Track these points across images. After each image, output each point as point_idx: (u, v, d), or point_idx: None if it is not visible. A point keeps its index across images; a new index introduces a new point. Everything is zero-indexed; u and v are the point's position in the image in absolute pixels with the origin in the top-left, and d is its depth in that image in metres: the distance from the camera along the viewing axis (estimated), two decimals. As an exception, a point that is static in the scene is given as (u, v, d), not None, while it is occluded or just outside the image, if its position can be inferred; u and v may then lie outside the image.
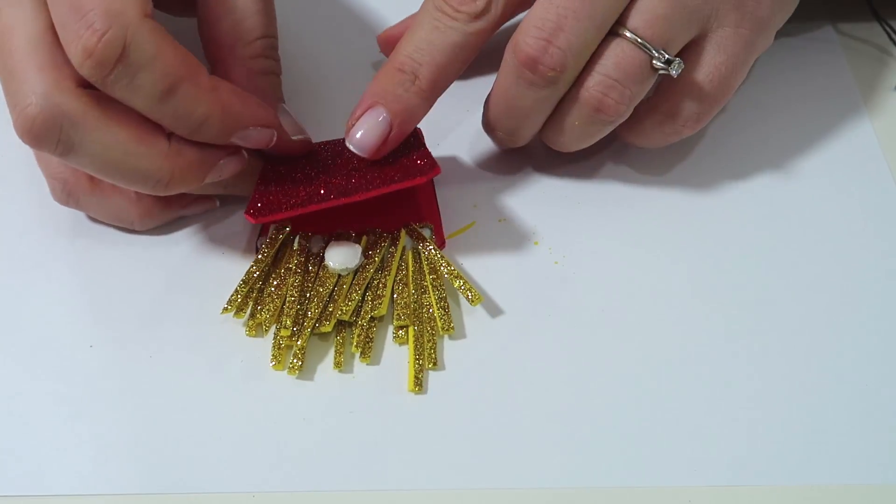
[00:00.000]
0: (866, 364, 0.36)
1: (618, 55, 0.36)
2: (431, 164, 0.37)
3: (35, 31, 0.33)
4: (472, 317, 0.37)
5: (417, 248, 0.38)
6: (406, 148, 0.38)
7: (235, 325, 0.37)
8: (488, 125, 0.40)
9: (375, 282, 0.37)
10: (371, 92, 0.37)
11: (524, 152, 0.42)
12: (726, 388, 0.35)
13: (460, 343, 0.36)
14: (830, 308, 0.37)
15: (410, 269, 0.38)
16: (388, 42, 0.45)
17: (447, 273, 0.37)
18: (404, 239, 0.38)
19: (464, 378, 0.35)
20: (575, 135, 0.39)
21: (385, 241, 0.38)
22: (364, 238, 0.38)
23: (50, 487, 0.33)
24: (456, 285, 0.37)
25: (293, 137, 0.38)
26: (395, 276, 0.37)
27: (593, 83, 0.37)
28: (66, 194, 0.38)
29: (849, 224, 0.40)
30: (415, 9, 0.39)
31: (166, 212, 0.39)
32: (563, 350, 0.36)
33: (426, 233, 0.39)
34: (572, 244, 0.39)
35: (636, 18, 0.36)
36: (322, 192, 0.36)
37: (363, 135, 0.37)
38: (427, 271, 0.37)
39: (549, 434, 0.34)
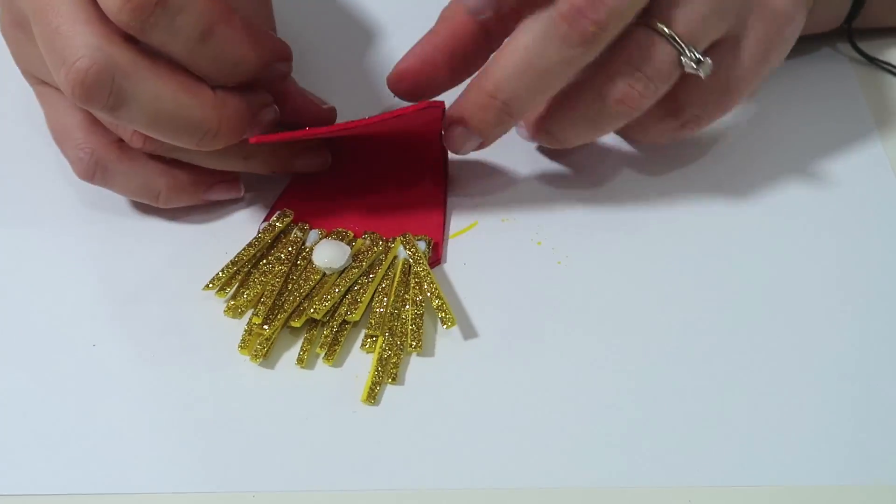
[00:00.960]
0: (866, 365, 0.36)
1: (649, 49, 0.35)
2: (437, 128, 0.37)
3: None
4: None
5: (408, 260, 0.38)
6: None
7: (230, 327, 0.37)
8: (483, 91, 0.36)
9: (357, 286, 0.37)
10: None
11: (525, 152, 0.42)
12: (727, 388, 0.35)
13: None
14: (831, 311, 0.37)
15: (396, 280, 0.38)
16: (401, 79, 0.39)
17: (428, 291, 0.37)
18: (397, 248, 0.38)
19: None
20: (582, 127, 0.38)
21: (378, 247, 0.38)
22: (359, 241, 0.39)
23: (47, 487, 0.33)
24: (434, 304, 0.36)
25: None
26: (379, 285, 0.37)
27: (620, 73, 0.35)
28: (94, 164, 0.38)
29: (853, 233, 0.40)
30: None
31: (194, 189, 0.39)
32: (563, 347, 0.36)
33: (421, 245, 0.38)
34: (575, 244, 0.39)
35: (672, 12, 0.35)
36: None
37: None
38: (412, 285, 0.37)
39: (548, 433, 0.34)
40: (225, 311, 0.37)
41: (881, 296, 0.38)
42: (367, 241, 0.39)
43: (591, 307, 0.37)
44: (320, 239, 0.39)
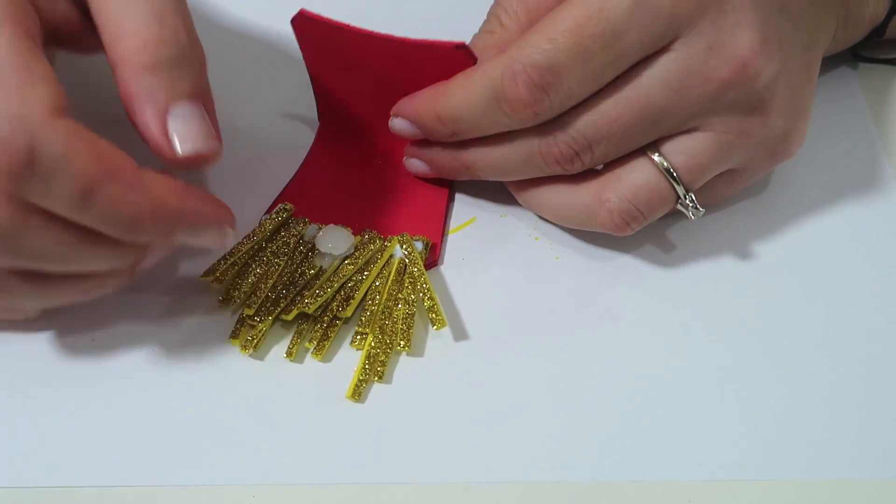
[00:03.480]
0: (864, 363, 0.36)
1: (651, 188, 0.35)
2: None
3: None
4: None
5: (404, 260, 0.38)
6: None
7: (225, 317, 0.37)
8: (460, 162, 0.38)
9: (351, 283, 0.37)
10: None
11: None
12: (726, 382, 0.35)
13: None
14: (829, 310, 0.38)
15: (390, 279, 0.38)
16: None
17: (421, 291, 0.37)
18: (393, 247, 0.38)
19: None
20: (565, 222, 0.38)
21: (375, 245, 0.38)
22: (356, 238, 0.39)
23: (47, 480, 0.33)
24: (426, 305, 0.36)
25: (178, 149, 0.31)
26: (372, 283, 0.37)
27: (618, 208, 0.35)
28: None
29: (853, 232, 0.40)
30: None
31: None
32: (558, 343, 0.36)
33: (418, 245, 0.38)
34: (573, 240, 0.40)
35: (680, 157, 0.35)
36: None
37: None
38: (406, 284, 0.37)
39: (545, 429, 0.34)
40: (220, 301, 0.37)
41: (880, 296, 0.38)
42: (365, 239, 0.39)
43: (588, 302, 0.38)
44: (318, 232, 0.39)
